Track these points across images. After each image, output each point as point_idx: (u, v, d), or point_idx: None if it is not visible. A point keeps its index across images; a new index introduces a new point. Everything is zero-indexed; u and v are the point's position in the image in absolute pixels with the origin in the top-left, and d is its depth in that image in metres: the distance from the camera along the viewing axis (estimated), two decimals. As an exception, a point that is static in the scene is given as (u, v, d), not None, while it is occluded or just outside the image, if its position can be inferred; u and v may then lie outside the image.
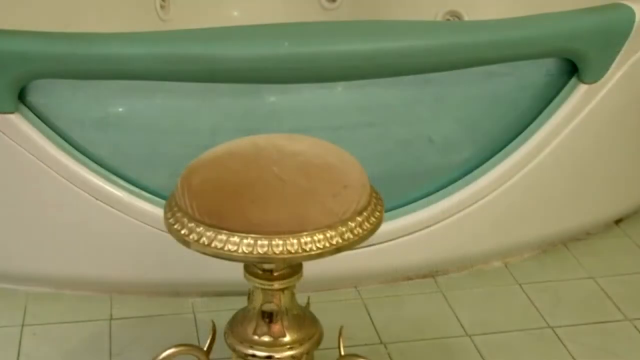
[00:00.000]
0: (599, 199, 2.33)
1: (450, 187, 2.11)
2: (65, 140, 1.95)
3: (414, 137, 2.07)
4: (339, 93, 2.03)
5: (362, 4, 3.05)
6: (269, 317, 1.50)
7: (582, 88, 2.11)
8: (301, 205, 1.35)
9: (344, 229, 1.37)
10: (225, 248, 1.33)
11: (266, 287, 1.47)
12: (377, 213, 1.43)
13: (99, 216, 1.98)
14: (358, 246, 1.40)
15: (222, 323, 1.59)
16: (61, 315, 2.04)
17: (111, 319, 2.04)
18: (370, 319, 2.06)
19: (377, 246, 2.06)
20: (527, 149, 2.12)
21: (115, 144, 1.97)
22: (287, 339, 1.50)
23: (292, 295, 1.51)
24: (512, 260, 2.28)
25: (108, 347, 1.94)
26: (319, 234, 1.35)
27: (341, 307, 2.10)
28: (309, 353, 1.53)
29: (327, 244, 1.35)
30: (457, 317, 2.07)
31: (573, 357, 1.94)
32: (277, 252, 1.33)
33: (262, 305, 1.49)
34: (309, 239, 1.34)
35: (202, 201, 1.37)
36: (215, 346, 1.65)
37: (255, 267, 1.47)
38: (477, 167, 2.12)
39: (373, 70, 1.94)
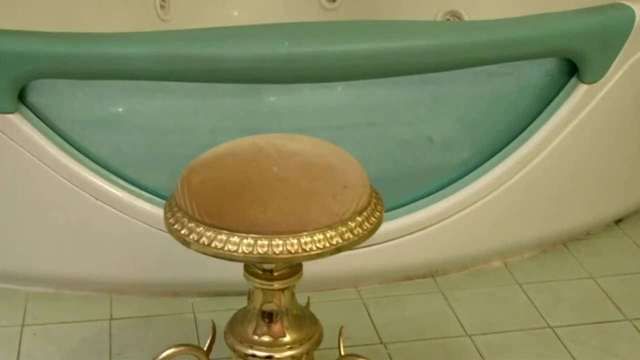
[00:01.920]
0: (599, 199, 2.33)
1: (450, 187, 2.11)
2: (65, 140, 1.95)
3: (414, 137, 2.07)
4: (339, 93, 2.03)
5: (362, 4, 3.06)
6: (269, 317, 1.50)
7: (582, 88, 2.11)
8: (301, 205, 1.35)
9: (344, 229, 1.37)
10: (225, 248, 1.33)
11: (266, 287, 1.47)
12: (377, 213, 1.43)
13: (99, 216, 1.98)
14: (358, 246, 1.40)
15: (222, 323, 1.59)
16: (61, 315, 2.04)
17: (111, 319, 2.04)
18: (370, 319, 2.06)
19: (377, 246, 2.06)
20: (527, 149, 2.12)
21: (115, 144, 1.97)
22: (287, 339, 1.50)
23: (292, 295, 1.51)
24: (512, 260, 2.29)
25: (108, 347, 1.94)
26: (319, 234, 1.35)
27: (341, 307, 2.10)
28: (309, 353, 1.53)
29: (327, 244, 1.35)
30: (457, 317, 2.07)
31: (573, 357, 1.94)
32: (277, 252, 1.33)
33: (262, 305, 1.49)
34: (309, 239, 1.34)
35: (202, 201, 1.37)
36: (215, 346, 1.65)
37: (255, 267, 1.47)
38: (477, 167, 2.13)
39: (373, 70, 1.94)
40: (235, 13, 3.04)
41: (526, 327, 2.03)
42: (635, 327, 2.04)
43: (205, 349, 1.65)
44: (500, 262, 2.27)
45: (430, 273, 2.22)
